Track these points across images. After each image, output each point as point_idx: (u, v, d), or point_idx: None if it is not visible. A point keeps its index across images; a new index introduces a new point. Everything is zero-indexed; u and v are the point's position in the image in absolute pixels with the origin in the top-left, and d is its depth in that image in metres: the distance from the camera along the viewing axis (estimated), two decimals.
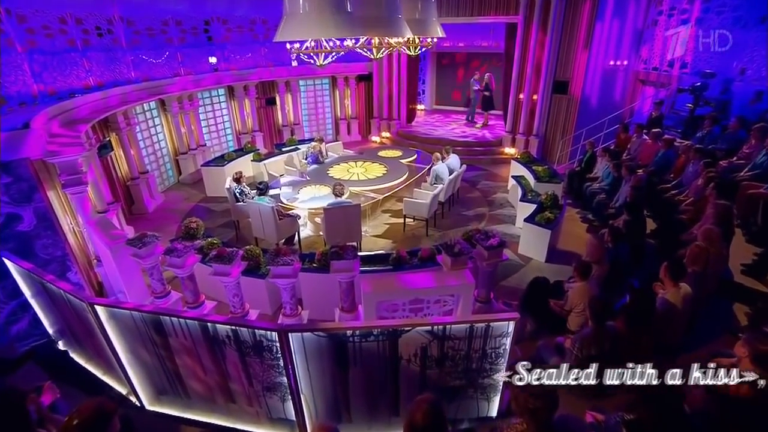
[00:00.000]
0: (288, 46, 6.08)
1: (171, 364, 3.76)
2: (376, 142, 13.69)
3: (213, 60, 11.02)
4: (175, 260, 4.56)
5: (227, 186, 7.35)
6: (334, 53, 6.11)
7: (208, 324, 3.39)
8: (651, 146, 8.00)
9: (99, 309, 3.51)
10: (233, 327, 3.31)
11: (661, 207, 6.80)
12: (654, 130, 8.14)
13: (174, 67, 10.15)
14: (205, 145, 11.04)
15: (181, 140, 10.29)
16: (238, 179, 7.28)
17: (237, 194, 7.21)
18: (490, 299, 4.98)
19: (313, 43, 5.96)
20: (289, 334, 3.09)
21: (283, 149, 10.31)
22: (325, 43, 6.00)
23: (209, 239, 6.00)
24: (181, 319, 3.44)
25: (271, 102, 12.34)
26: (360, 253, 6.36)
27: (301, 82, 12.95)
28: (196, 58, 10.63)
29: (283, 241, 7.02)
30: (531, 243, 6.86)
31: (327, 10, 5.42)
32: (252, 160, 9.87)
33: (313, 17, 5.41)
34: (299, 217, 7.05)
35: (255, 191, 7.36)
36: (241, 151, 10.19)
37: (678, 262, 4.07)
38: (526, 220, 6.86)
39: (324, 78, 13.28)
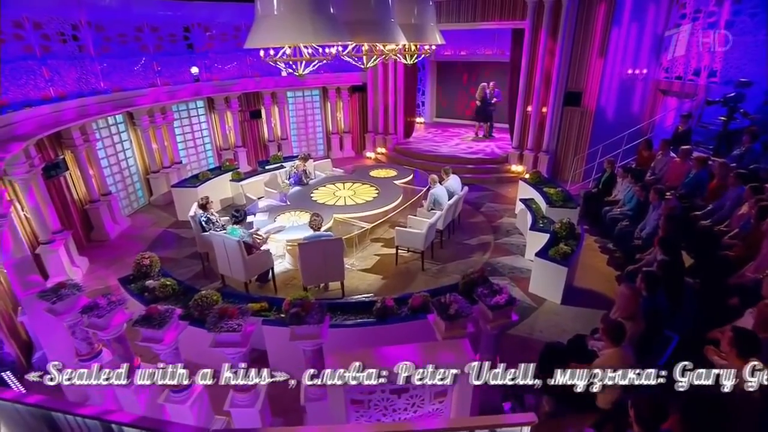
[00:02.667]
0: (261, 53, 5.25)
1: None
2: (370, 158, 12.71)
3: (195, 70, 10.15)
4: (96, 321, 3.56)
5: (191, 214, 6.35)
6: (316, 61, 5.26)
7: (112, 425, 2.58)
8: (680, 165, 7.01)
9: None
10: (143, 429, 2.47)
11: (698, 239, 5.77)
12: (683, 147, 7.12)
13: (149, 78, 9.28)
14: (181, 162, 10.07)
15: (153, 157, 9.32)
16: (204, 205, 6.27)
17: (203, 223, 6.22)
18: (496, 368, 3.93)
19: (290, 50, 5.10)
20: None
21: (267, 167, 9.29)
22: (304, 50, 5.14)
23: (163, 279, 5.10)
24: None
25: (256, 115, 11.34)
26: (338, 301, 5.43)
27: (289, 94, 11.97)
28: (174, 67, 9.75)
29: (255, 278, 6.05)
30: (544, 281, 5.86)
31: (304, 11, 4.68)
32: (231, 180, 8.88)
33: (288, 20, 4.66)
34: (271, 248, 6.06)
35: (228, 218, 6.36)
36: (218, 170, 9.19)
37: (747, 332, 3.08)
38: (538, 254, 5.84)
39: (314, 89, 12.34)
